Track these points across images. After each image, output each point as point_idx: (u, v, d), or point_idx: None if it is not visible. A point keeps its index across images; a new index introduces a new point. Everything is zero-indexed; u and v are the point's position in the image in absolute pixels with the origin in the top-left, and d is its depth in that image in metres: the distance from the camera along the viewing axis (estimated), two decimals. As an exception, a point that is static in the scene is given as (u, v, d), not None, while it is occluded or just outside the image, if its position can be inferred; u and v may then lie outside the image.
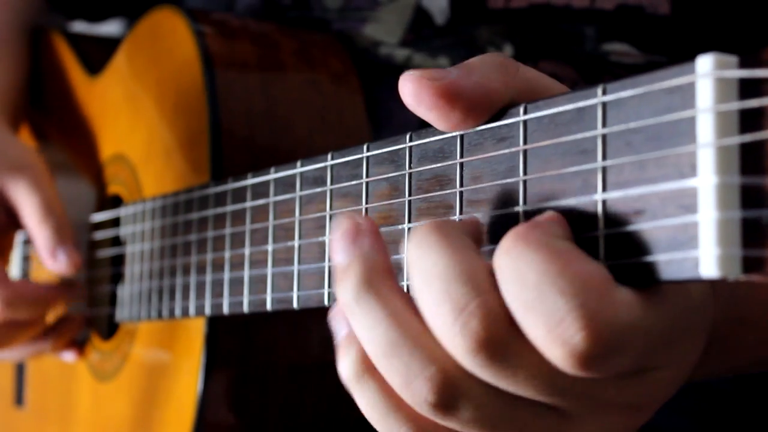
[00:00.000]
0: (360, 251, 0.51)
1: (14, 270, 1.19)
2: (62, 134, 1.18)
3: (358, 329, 0.51)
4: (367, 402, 0.52)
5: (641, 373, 0.49)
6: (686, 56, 0.88)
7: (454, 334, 0.47)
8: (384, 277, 0.51)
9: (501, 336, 0.46)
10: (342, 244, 0.52)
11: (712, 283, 0.55)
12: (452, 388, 0.49)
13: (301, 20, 0.98)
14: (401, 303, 0.50)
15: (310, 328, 0.90)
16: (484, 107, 0.52)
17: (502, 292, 0.46)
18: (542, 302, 0.44)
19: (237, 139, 0.89)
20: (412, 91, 0.51)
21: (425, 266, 0.48)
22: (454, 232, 0.50)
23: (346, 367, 0.53)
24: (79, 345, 1.08)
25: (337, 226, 0.53)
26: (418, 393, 0.49)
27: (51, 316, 1.04)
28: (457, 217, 0.55)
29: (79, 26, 1.27)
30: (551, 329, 0.44)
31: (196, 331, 0.88)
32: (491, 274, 0.47)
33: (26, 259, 1.17)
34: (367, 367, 0.52)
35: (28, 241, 1.15)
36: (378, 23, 0.94)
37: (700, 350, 0.53)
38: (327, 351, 0.91)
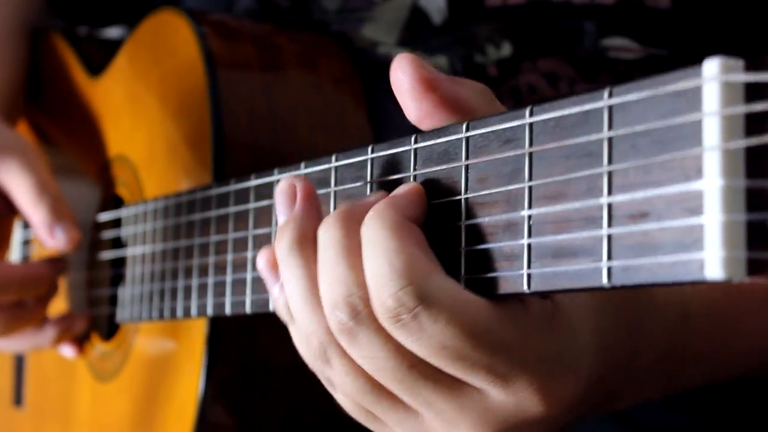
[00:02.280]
0: (293, 215, 0.61)
1: (14, 254, 1.19)
2: (64, 135, 1.18)
3: (285, 281, 0.61)
4: (296, 340, 0.63)
5: (459, 382, 0.58)
6: (687, 50, 0.90)
7: (331, 320, 0.59)
8: (310, 241, 0.60)
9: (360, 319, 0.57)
10: (280, 206, 0.63)
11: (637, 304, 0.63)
12: (326, 352, 0.60)
13: (300, 24, 0.99)
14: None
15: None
16: (453, 110, 0.58)
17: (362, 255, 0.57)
18: (379, 267, 0.55)
19: (239, 141, 0.89)
20: (403, 67, 0.58)
21: (321, 257, 0.59)
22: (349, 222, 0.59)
23: (280, 312, 0.64)
24: (79, 343, 1.08)
25: (279, 185, 0.63)
26: (309, 345, 0.61)
27: (53, 310, 1.04)
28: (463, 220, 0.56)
29: (82, 32, 1.27)
30: (378, 288, 0.55)
31: (197, 330, 0.88)
32: None
33: (26, 243, 1.17)
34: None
35: (28, 225, 1.15)
36: (375, 23, 0.95)
37: (568, 377, 0.58)
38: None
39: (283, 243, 0.61)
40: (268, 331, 0.89)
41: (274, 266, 0.63)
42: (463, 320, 0.54)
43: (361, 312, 0.57)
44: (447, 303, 0.54)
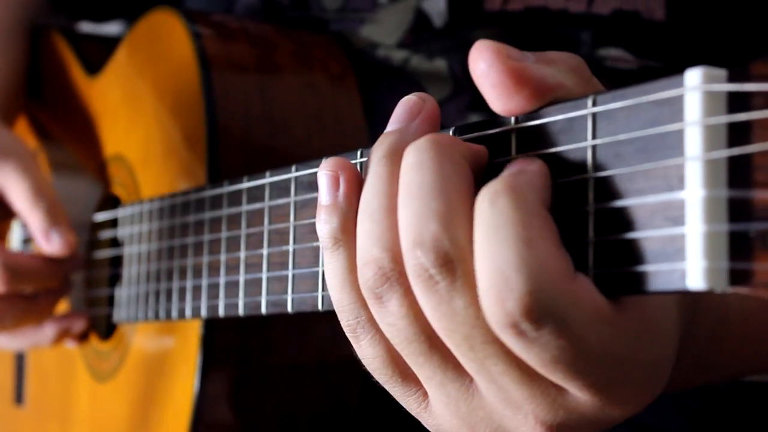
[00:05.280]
0: (405, 127, 0.53)
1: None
2: (63, 133, 1.18)
3: (367, 187, 0.52)
4: (338, 264, 0.54)
5: (564, 391, 0.50)
6: (681, 62, 0.90)
7: (410, 257, 0.48)
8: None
9: (450, 272, 0.48)
10: (396, 116, 0.54)
11: (692, 304, 0.57)
12: (388, 281, 0.50)
13: (300, 20, 0.98)
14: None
15: (307, 327, 0.90)
16: (547, 99, 0.50)
17: (475, 230, 0.47)
18: (500, 259, 0.45)
19: (234, 141, 0.89)
20: (487, 60, 0.49)
21: (411, 180, 0.50)
22: (452, 153, 0.50)
23: (325, 230, 0.54)
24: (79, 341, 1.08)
25: (406, 97, 0.54)
26: (364, 273, 0.51)
27: (58, 309, 1.04)
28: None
29: (84, 27, 1.27)
30: (496, 284, 0.46)
31: (192, 331, 0.88)
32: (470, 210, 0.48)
33: (26, 241, 1.17)
34: (344, 233, 0.54)
35: None
36: (376, 24, 0.95)
37: (659, 383, 0.52)
38: (324, 350, 0.91)
39: (378, 149, 0.52)
40: (263, 330, 0.89)
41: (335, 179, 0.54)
42: (585, 334, 0.47)
43: (456, 271, 0.47)
44: (576, 316, 0.46)
